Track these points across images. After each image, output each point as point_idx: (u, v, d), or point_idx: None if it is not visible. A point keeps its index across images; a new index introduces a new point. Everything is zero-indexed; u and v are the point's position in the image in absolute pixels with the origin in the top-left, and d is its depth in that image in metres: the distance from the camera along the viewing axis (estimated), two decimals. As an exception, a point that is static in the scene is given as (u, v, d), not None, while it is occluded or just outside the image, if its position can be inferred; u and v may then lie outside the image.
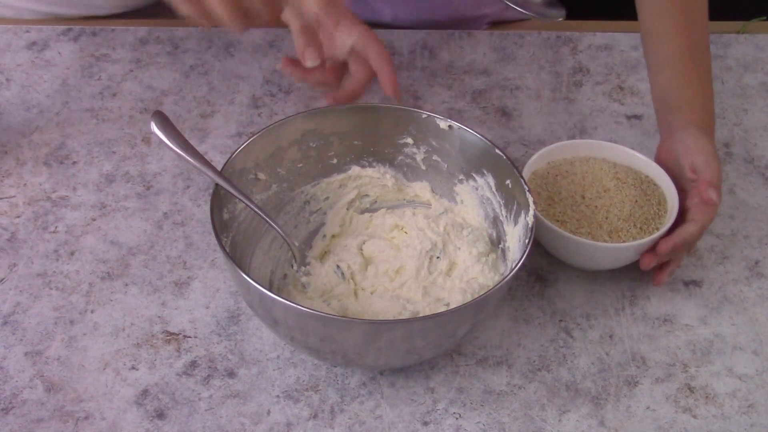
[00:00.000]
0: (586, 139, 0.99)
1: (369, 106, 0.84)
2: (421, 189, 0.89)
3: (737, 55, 1.15)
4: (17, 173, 0.95)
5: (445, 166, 0.86)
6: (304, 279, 0.82)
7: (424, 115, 0.84)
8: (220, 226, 0.75)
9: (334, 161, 0.87)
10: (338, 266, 0.82)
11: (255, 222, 0.82)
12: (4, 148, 0.97)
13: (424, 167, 0.88)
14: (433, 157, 0.86)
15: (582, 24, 1.20)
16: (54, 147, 0.98)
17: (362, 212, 0.89)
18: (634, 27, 1.20)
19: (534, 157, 0.88)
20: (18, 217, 0.90)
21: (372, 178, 0.89)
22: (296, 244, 0.82)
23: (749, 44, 1.17)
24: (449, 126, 0.83)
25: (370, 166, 0.88)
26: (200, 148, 0.98)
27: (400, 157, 0.88)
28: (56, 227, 0.89)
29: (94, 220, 0.90)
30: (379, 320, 0.76)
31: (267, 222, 0.78)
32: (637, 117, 1.05)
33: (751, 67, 1.13)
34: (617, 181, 0.87)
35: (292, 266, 0.83)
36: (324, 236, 0.88)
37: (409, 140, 0.86)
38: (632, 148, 0.90)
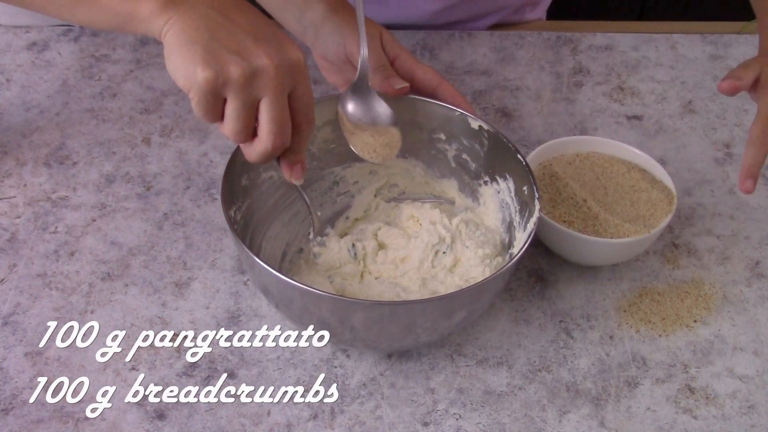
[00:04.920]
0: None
1: (406, 97, 0.84)
2: (448, 186, 0.90)
3: (738, 55, 1.15)
4: (17, 174, 0.95)
5: (473, 166, 0.87)
6: (316, 249, 0.83)
7: (457, 113, 0.84)
8: (235, 191, 0.78)
9: None
10: (354, 245, 0.83)
11: (279, 193, 0.85)
12: (4, 148, 0.97)
13: (453, 164, 0.88)
14: (463, 156, 0.87)
15: (582, 24, 1.20)
16: (54, 147, 0.98)
17: (389, 201, 0.91)
18: (634, 27, 1.21)
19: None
20: (18, 217, 0.90)
21: (403, 169, 0.90)
22: (319, 214, 0.83)
23: (750, 45, 1.17)
24: (479, 126, 0.83)
25: (403, 156, 0.89)
26: (200, 149, 0.98)
27: (432, 152, 0.88)
28: (56, 228, 0.89)
29: (94, 220, 0.90)
30: (343, 297, 0.77)
31: (297, 190, 0.79)
32: (638, 117, 1.05)
33: (751, 67, 1.13)
34: (615, 176, 0.87)
35: (309, 234, 0.83)
36: (347, 218, 0.89)
37: (442, 136, 0.87)
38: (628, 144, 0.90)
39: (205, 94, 0.63)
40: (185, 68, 0.62)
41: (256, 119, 0.65)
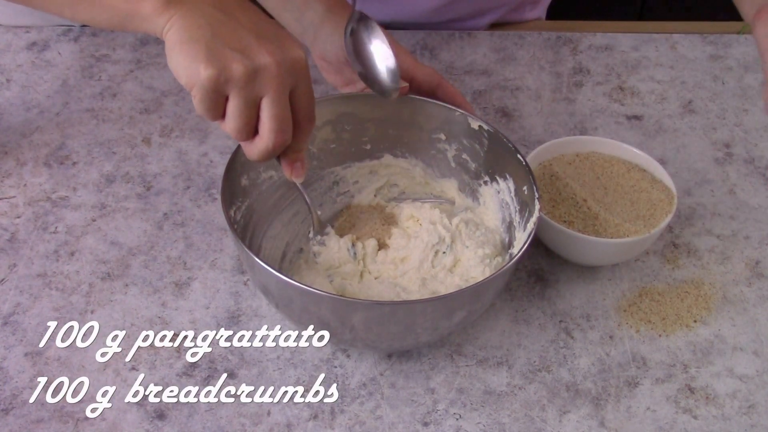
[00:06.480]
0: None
1: (407, 97, 0.85)
2: (448, 186, 0.90)
3: (737, 55, 1.15)
4: (17, 173, 0.95)
5: (473, 166, 0.87)
6: (316, 248, 0.83)
7: (457, 113, 0.84)
8: (235, 191, 0.78)
9: (368, 147, 0.89)
10: (353, 245, 0.83)
11: (279, 193, 0.85)
12: (4, 148, 0.97)
13: (453, 164, 0.88)
14: (463, 156, 0.87)
15: (582, 24, 1.20)
16: (54, 147, 0.98)
17: (389, 201, 0.91)
18: (634, 27, 1.21)
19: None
20: (18, 217, 0.90)
21: (402, 169, 0.90)
22: (318, 213, 0.84)
23: (750, 44, 1.17)
24: (479, 126, 0.83)
25: (403, 156, 0.89)
26: (200, 149, 0.98)
27: (432, 152, 0.89)
28: (56, 227, 0.89)
29: (94, 220, 0.90)
30: (343, 297, 0.77)
31: (297, 189, 0.79)
32: (638, 117, 1.05)
33: (751, 67, 1.13)
34: (616, 176, 0.87)
35: (309, 233, 0.83)
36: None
37: (442, 136, 0.87)
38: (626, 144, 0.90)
39: (208, 92, 0.63)
40: (188, 66, 0.62)
41: (258, 117, 0.65)
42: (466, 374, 0.79)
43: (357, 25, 0.83)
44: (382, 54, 0.82)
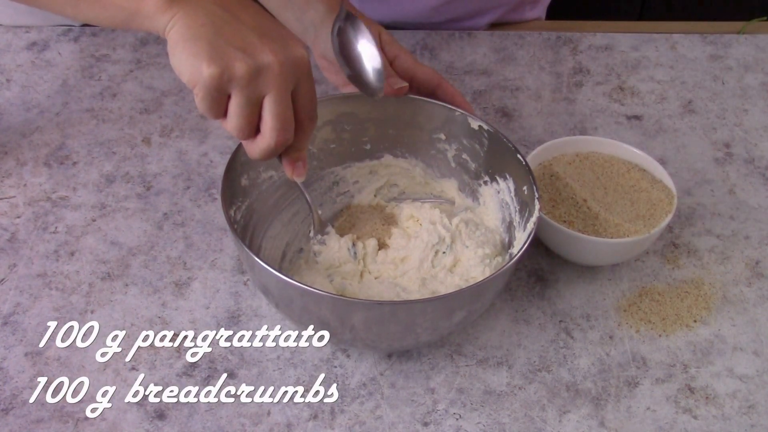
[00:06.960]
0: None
1: (407, 97, 0.85)
2: (448, 186, 0.90)
3: (738, 55, 1.15)
4: (17, 173, 0.95)
5: (473, 166, 0.87)
6: (316, 247, 0.83)
7: (457, 113, 0.84)
8: (235, 191, 0.78)
9: (368, 147, 0.89)
10: (354, 244, 0.83)
11: (279, 193, 0.85)
12: (4, 148, 0.97)
13: (453, 164, 0.88)
14: (463, 156, 0.87)
15: (582, 24, 1.20)
16: (54, 147, 0.98)
17: (389, 201, 0.91)
18: (634, 27, 1.21)
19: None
20: (18, 217, 0.90)
21: (402, 169, 0.90)
22: (319, 212, 0.84)
23: (750, 44, 1.17)
24: (479, 126, 0.83)
25: (402, 156, 0.90)
26: (200, 149, 0.98)
27: (432, 152, 0.89)
28: (56, 227, 0.89)
29: (94, 220, 0.90)
30: (343, 297, 0.77)
31: (298, 188, 0.79)
32: (638, 117, 1.05)
33: (751, 67, 1.13)
34: (616, 176, 0.87)
35: (309, 232, 0.83)
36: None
37: (442, 136, 0.87)
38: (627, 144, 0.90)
39: (210, 90, 0.63)
40: (190, 64, 0.62)
41: (260, 116, 0.65)
42: (466, 374, 0.79)
43: (344, 24, 0.83)
44: (368, 54, 0.82)
